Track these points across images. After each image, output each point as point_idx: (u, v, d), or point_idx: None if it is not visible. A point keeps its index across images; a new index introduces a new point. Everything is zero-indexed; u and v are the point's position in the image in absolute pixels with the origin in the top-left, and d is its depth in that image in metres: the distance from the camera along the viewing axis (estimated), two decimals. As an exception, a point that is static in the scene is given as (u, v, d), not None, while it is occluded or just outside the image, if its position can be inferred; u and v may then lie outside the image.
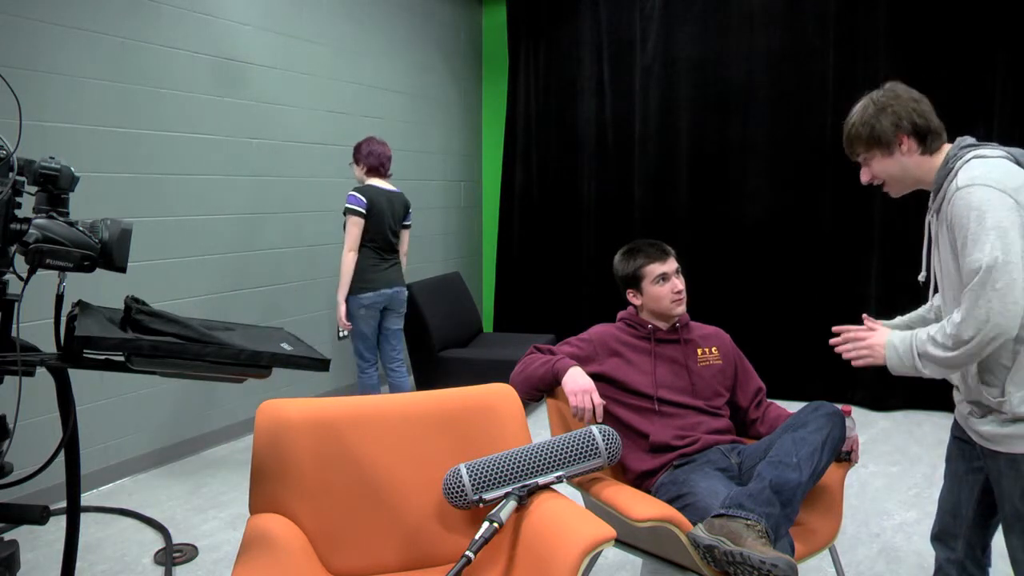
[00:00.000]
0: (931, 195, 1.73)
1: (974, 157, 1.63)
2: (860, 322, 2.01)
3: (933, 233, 1.75)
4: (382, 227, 3.74)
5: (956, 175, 1.62)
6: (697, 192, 5.24)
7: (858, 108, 1.77)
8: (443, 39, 5.91)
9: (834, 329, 1.88)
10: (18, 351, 1.33)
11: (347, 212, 3.66)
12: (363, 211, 3.65)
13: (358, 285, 3.71)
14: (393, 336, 3.97)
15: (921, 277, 1.84)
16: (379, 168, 3.80)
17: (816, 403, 2.03)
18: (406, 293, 3.96)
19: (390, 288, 3.81)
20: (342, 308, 3.71)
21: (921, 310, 1.97)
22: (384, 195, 3.75)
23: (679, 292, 2.29)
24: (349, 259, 3.66)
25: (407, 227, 3.94)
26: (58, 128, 3.26)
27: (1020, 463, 1.64)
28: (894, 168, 1.73)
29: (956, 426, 1.86)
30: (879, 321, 2.00)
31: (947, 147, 1.71)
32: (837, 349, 1.82)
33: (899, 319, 2.02)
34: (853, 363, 1.77)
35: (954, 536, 1.87)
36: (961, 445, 1.84)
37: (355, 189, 3.70)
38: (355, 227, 3.65)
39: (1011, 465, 1.65)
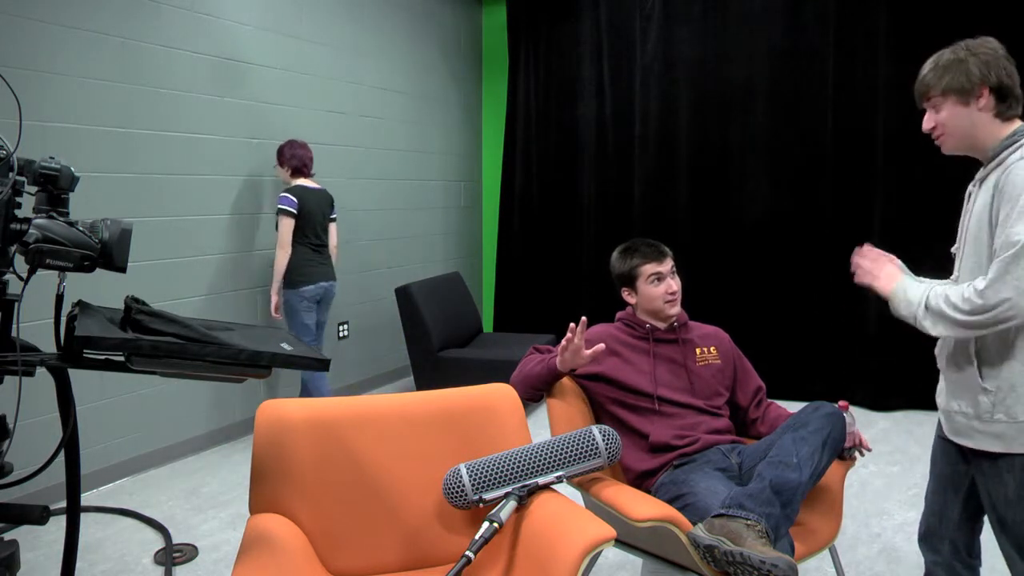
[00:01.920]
0: (983, 164, 1.67)
1: None
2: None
3: (971, 202, 1.70)
4: (313, 224, 3.94)
5: (1021, 147, 1.58)
6: (697, 192, 5.24)
7: (944, 51, 1.67)
8: (443, 39, 5.91)
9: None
10: (18, 351, 1.33)
11: (279, 213, 3.84)
12: (294, 211, 3.84)
13: (298, 279, 3.90)
14: (320, 328, 4.12)
15: (954, 248, 1.79)
16: (302, 169, 3.99)
17: (816, 403, 2.02)
18: (337, 288, 4.13)
19: (326, 281, 4.00)
20: (274, 299, 3.93)
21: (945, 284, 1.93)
22: (312, 194, 3.93)
23: (673, 293, 2.29)
24: (282, 257, 3.86)
25: (334, 220, 4.13)
26: (58, 128, 3.26)
27: (1001, 468, 1.62)
28: (964, 120, 1.64)
29: (940, 426, 1.84)
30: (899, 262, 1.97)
31: (1019, 123, 1.65)
32: (854, 258, 1.78)
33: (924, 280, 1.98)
34: (856, 278, 1.74)
35: (940, 538, 1.86)
36: (946, 446, 1.82)
37: (285, 190, 3.87)
38: (286, 227, 3.84)
39: (993, 469, 1.64)
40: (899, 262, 1.93)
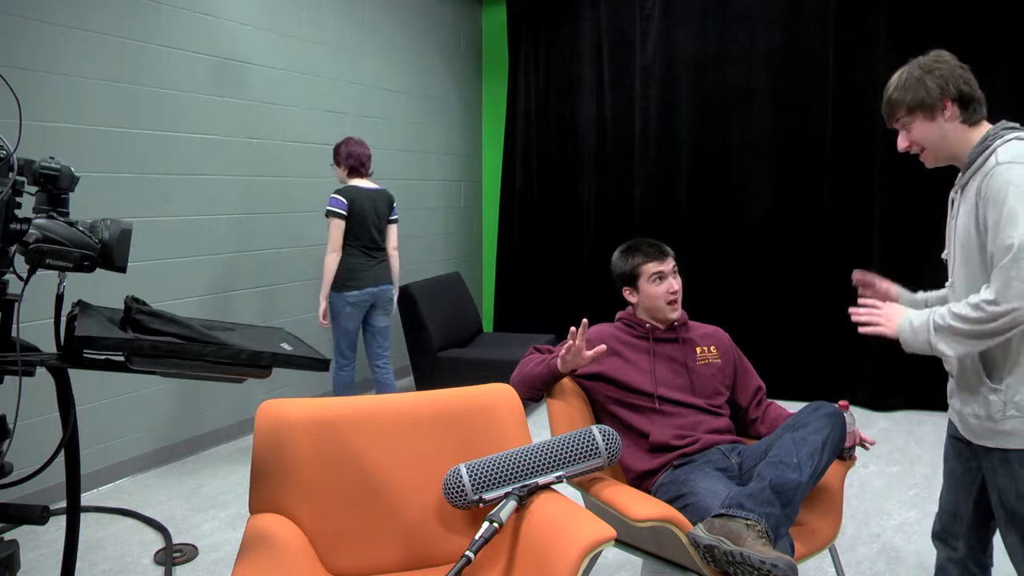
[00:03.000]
0: (960, 171, 1.71)
1: (1015, 138, 1.62)
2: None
3: (955, 209, 1.73)
4: (366, 226, 3.79)
5: (995, 152, 1.60)
6: (697, 192, 5.24)
7: (901, 71, 1.74)
8: (443, 39, 5.91)
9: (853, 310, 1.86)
10: (18, 351, 1.33)
11: (328, 214, 3.73)
12: (344, 212, 3.72)
13: (344, 283, 3.77)
14: (380, 333, 4.00)
15: (945, 255, 1.81)
16: (360, 168, 3.85)
17: (816, 403, 2.03)
18: (392, 291, 4.00)
19: (376, 286, 3.86)
20: (323, 306, 3.80)
21: (943, 291, 1.93)
22: (366, 194, 3.80)
23: (675, 293, 2.29)
24: (331, 260, 3.73)
25: (393, 222, 3.98)
26: (58, 128, 3.26)
27: (1012, 461, 1.63)
28: (934, 134, 1.70)
29: (951, 425, 1.85)
30: (896, 284, 1.96)
31: (987, 125, 1.69)
32: (852, 312, 1.78)
33: (921, 294, 1.98)
34: (861, 329, 1.74)
35: (955, 536, 1.87)
36: (957, 445, 1.83)
37: (336, 191, 3.75)
38: (336, 229, 3.72)
39: (1004, 464, 1.65)
40: (895, 288, 1.95)
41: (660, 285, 2.28)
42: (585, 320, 2.13)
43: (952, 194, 1.75)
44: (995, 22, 4.33)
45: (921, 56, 1.74)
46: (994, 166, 1.57)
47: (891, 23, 4.57)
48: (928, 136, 1.70)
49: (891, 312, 1.71)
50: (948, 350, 1.60)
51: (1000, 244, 1.52)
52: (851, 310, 1.79)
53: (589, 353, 2.12)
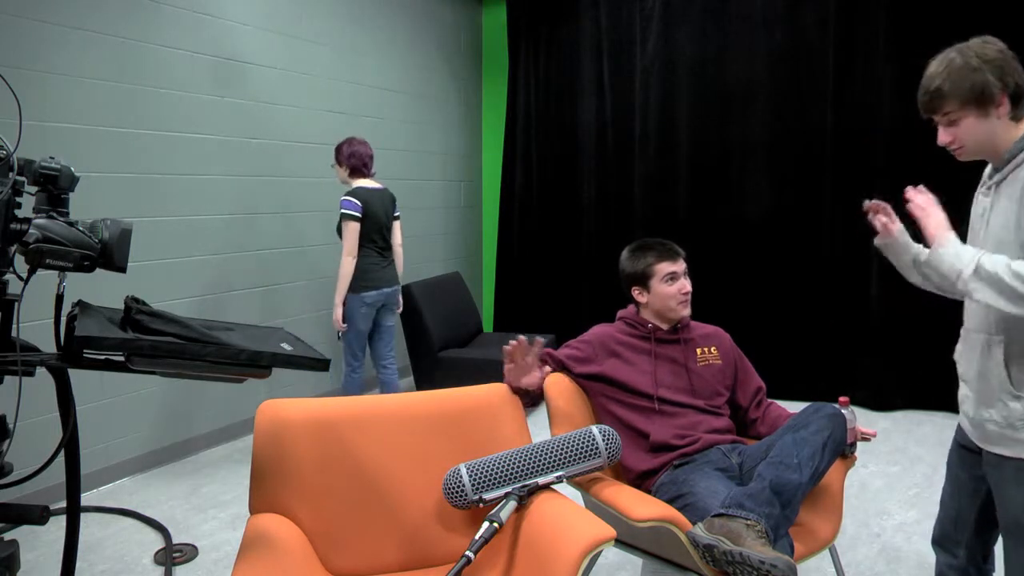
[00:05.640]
0: (996, 168, 1.60)
1: None
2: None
3: (983, 208, 1.62)
4: (378, 225, 3.78)
5: None
6: (697, 192, 5.24)
7: (951, 59, 1.56)
8: (443, 39, 5.91)
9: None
10: (18, 351, 1.33)
11: (344, 218, 3.66)
12: (359, 215, 3.67)
13: (361, 284, 3.74)
14: (387, 333, 4.00)
15: None
16: (362, 168, 3.79)
17: (818, 404, 2.02)
18: (400, 290, 4.01)
19: (390, 287, 3.87)
20: (339, 311, 3.73)
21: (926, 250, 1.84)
22: (375, 194, 3.76)
23: (687, 293, 2.30)
24: (348, 264, 3.68)
25: (397, 219, 3.98)
26: (58, 128, 3.26)
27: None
28: (982, 130, 1.55)
29: (960, 432, 1.81)
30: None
31: None
32: (909, 189, 1.64)
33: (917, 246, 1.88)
34: (909, 207, 1.60)
35: (956, 542, 1.84)
36: (963, 453, 1.79)
37: (348, 194, 3.70)
38: (352, 232, 3.67)
39: (1017, 473, 1.59)
40: (900, 226, 1.87)
41: (673, 285, 2.29)
42: (522, 337, 2.07)
43: (980, 191, 1.66)
44: (995, 22, 4.33)
45: (970, 43, 1.56)
46: None
47: (891, 23, 4.56)
48: (976, 133, 1.56)
49: (940, 216, 1.56)
50: (975, 292, 1.47)
51: None
52: (908, 189, 1.64)
53: (538, 374, 2.10)
